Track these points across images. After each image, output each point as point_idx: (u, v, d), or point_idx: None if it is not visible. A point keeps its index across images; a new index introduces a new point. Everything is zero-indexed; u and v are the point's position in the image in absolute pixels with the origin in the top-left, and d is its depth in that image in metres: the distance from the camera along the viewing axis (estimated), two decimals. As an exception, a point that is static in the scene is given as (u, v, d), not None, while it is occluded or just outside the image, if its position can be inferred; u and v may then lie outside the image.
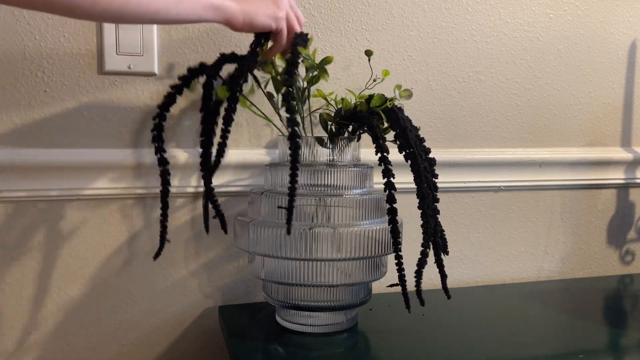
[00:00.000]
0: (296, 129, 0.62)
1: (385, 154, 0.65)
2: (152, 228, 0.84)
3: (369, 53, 0.78)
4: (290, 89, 0.63)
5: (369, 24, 0.90)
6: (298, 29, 0.71)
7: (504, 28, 0.98)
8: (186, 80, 0.75)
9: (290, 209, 0.62)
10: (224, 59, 0.74)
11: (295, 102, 0.63)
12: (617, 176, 1.09)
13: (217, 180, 0.84)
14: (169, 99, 0.75)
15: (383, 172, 0.65)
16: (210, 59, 0.83)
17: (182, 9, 0.60)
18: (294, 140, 0.62)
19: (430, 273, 0.71)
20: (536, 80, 1.02)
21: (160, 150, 0.76)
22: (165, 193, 0.76)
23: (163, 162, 0.76)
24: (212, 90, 0.75)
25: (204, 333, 0.88)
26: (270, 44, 0.72)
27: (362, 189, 0.74)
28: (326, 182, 0.72)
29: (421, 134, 0.70)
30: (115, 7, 0.55)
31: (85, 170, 0.79)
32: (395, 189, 0.65)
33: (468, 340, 0.74)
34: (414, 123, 0.71)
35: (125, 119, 0.81)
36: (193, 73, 0.75)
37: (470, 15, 0.96)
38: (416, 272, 0.67)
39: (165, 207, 0.76)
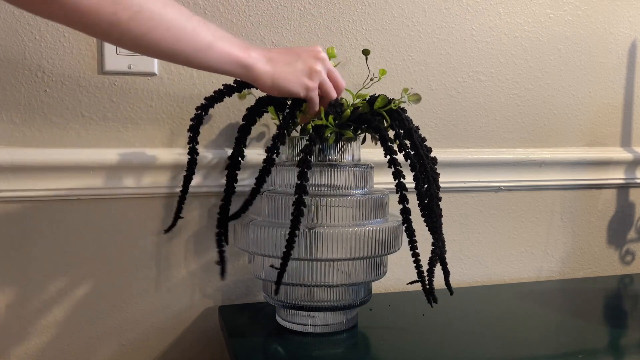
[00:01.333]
0: (303, 196, 0.62)
1: (394, 155, 0.66)
2: (151, 228, 0.84)
3: (366, 52, 0.78)
4: (307, 157, 0.62)
5: (369, 24, 0.90)
6: (334, 96, 0.69)
7: (504, 28, 0.98)
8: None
9: (282, 270, 0.64)
10: (263, 103, 0.73)
11: (307, 171, 0.63)
12: (617, 176, 1.09)
13: (217, 180, 0.84)
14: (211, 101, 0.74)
15: (393, 173, 0.66)
16: (210, 59, 0.83)
17: (210, 58, 0.58)
18: (299, 206, 0.62)
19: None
20: (536, 80, 1.02)
21: (193, 138, 0.75)
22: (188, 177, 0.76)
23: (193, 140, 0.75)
24: (245, 142, 0.75)
25: (204, 333, 0.88)
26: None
27: (362, 189, 0.74)
28: (326, 182, 0.72)
29: (421, 133, 0.70)
30: (133, 34, 0.52)
31: (85, 170, 0.79)
32: (406, 190, 0.66)
33: (468, 340, 0.74)
34: (414, 123, 0.71)
35: (125, 119, 0.81)
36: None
37: (470, 15, 0.96)
38: (428, 270, 0.68)
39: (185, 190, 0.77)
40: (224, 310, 0.84)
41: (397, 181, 0.66)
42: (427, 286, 0.69)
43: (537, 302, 0.91)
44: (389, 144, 0.66)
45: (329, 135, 0.70)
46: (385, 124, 0.71)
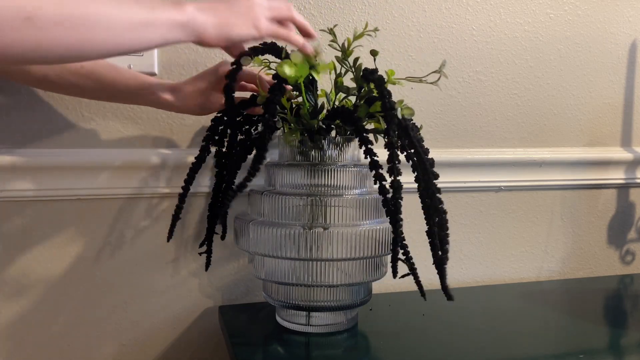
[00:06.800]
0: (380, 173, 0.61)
1: (369, 146, 0.64)
2: (152, 228, 0.84)
3: (374, 53, 0.77)
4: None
5: (369, 23, 0.90)
6: (299, 39, 0.65)
7: (504, 28, 0.98)
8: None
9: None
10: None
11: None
12: (617, 176, 1.09)
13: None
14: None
15: (370, 164, 0.63)
16: (210, 60, 0.83)
17: (152, 35, 0.53)
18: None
19: (430, 273, 0.71)
20: (536, 80, 1.02)
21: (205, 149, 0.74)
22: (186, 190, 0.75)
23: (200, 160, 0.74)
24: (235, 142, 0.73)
25: (204, 333, 0.88)
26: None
27: (362, 189, 0.74)
28: (326, 182, 0.72)
29: (421, 133, 0.70)
30: (72, 45, 0.48)
31: (85, 170, 0.79)
32: (384, 179, 0.63)
33: (468, 340, 0.74)
34: (415, 123, 0.71)
35: (125, 118, 0.81)
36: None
37: (470, 15, 0.96)
38: (438, 267, 0.65)
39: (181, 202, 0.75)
40: (224, 310, 0.84)
41: (373, 172, 0.63)
42: (442, 284, 0.65)
43: (537, 302, 0.91)
44: (365, 135, 0.65)
45: (292, 136, 0.69)
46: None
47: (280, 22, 0.64)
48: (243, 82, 0.75)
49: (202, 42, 0.59)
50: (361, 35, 0.71)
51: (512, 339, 0.75)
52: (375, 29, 0.73)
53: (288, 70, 0.62)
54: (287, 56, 0.67)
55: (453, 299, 0.64)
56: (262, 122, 0.60)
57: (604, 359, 0.72)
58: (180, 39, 0.57)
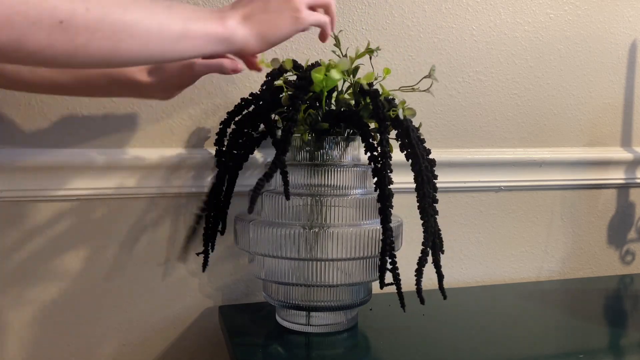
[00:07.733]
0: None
1: (373, 152, 0.64)
2: (152, 228, 0.84)
3: (369, 52, 0.78)
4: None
5: (369, 24, 0.90)
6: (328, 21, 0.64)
7: (504, 28, 0.98)
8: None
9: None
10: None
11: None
12: (617, 176, 1.09)
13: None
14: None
15: (373, 171, 0.64)
16: (210, 59, 0.83)
17: (186, 47, 0.52)
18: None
19: (431, 273, 0.71)
20: (536, 80, 1.02)
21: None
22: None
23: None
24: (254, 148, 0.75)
25: (204, 333, 0.88)
26: None
27: (362, 189, 0.74)
28: (326, 182, 0.73)
29: (421, 132, 0.70)
30: (98, 57, 0.47)
31: (85, 170, 0.79)
32: (387, 186, 0.64)
33: (468, 340, 0.74)
34: (414, 123, 0.71)
35: (125, 118, 0.81)
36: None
37: (470, 15, 0.96)
38: (416, 270, 0.67)
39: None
40: (224, 310, 0.84)
41: (375, 179, 0.64)
42: (417, 286, 0.66)
43: (537, 302, 0.91)
44: (371, 140, 0.66)
45: (303, 132, 0.70)
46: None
47: (314, 9, 0.62)
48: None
49: (245, 53, 0.58)
50: (363, 54, 0.72)
51: (512, 339, 0.75)
52: (377, 48, 0.74)
53: (335, 75, 0.64)
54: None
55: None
56: (287, 115, 0.62)
57: (604, 359, 0.72)
58: (219, 52, 0.56)
